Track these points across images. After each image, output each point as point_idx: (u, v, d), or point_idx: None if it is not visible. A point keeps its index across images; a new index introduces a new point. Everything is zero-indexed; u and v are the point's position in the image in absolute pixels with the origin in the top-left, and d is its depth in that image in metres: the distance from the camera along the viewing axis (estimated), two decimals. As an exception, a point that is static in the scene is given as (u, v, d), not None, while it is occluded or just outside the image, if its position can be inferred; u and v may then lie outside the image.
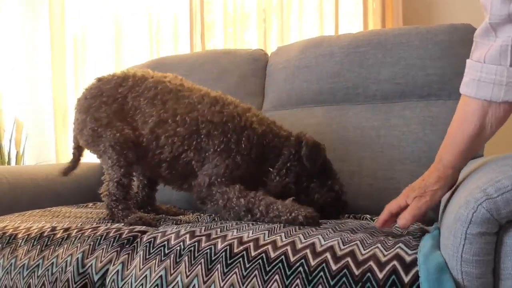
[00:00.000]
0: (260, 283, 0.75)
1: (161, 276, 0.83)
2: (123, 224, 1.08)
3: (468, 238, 0.64)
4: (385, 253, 0.74)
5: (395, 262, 0.71)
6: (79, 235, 1.01)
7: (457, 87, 1.31)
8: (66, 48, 2.69)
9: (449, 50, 1.34)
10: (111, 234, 0.99)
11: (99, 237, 0.99)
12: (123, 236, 0.98)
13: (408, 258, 0.71)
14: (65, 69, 2.69)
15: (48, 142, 2.81)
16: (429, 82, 1.35)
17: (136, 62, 2.19)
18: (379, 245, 0.77)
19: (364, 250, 0.76)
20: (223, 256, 0.81)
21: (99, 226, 1.05)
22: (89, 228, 1.04)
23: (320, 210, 1.04)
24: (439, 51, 1.35)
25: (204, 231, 0.92)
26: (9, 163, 2.68)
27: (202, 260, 0.82)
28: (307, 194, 1.15)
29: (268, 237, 0.85)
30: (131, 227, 1.03)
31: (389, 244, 0.77)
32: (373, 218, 1.19)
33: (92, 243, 0.97)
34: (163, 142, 1.16)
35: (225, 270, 0.79)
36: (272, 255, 0.79)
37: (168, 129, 1.16)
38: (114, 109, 1.19)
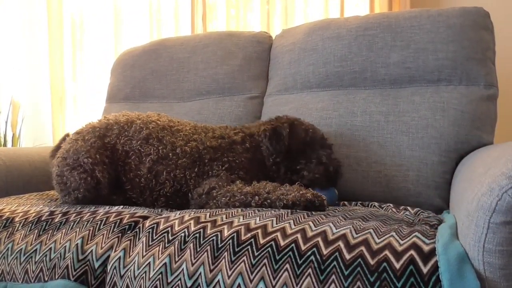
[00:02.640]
0: (270, 272, 0.72)
1: (165, 263, 0.80)
2: None
3: (491, 227, 0.61)
4: (401, 242, 0.70)
5: (412, 252, 0.67)
6: (78, 219, 0.98)
7: (469, 72, 1.29)
8: (64, 29, 2.64)
9: (461, 33, 1.30)
10: (111, 219, 0.95)
11: (99, 221, 0.95)
12: (124, 221, 0.95)
13: (426, 248, 0.68)
14: (63, 51, 2.64)
15: (45, 124, 2.77)
16: (439, 66, 1.31)
17: (136, 44, 2.15)
18: (394, 233, 0.74)
19: (379, 238, 0.72)
20: (230, 244, 0.78)
21: (97, 210, 1.02)
22: (87, 212, 1.01)
23: (312, 185, 1.10)
24: (450, 34, 1.31)
25: (209, 217, 0.88)
26: (5, 145, 2.64)
27: (208, 247, 0.79)
28: (298, 176, 1.17)
29: (277, 224, 0.81)
30: (132, 212, 0.99)
31: (404, 232, 0.74)
32: (382, 206, 1.15)
33: (91, 228, 0.94)
34: (164, 178, 1.16)
35: (233, 259, 0.76)
36: (282, 243, 0.75)
37: (169, 164, 1.16)
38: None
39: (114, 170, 1.17)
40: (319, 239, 0.75)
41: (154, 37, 2.45)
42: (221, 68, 1.73)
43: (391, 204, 1.16)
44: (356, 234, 0.75)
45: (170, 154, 1.17)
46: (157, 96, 1.85)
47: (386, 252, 0.69)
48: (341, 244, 0.72)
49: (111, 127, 1.22)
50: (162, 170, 1.16)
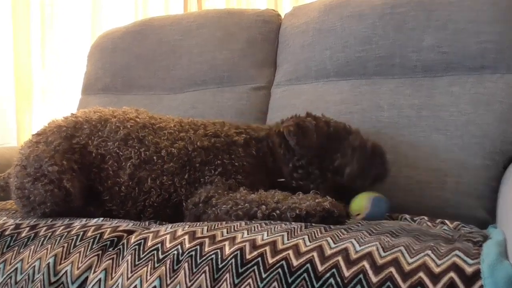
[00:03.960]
0: (280, 297, 0.72)
1: (154, 287, 0.80)
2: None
3: (548, 245, 0.61)
4: (439, 262, 0.70)
5: (452, 274, 0.67)
6: (49, 234, 0.99)
7: (519, 58, 1.29)
8: (31, 4, 2.61)
9: (509, 11, 1.31)
10: (89, 234, 0.96)
11: (74, 237, 0.96)
12: (105, 236, 0.95)
13: (469, 269, 0.68)
14: (29, 30, 2.60)
15: (7, 122, 2.77)
16: (483, 51, 1.31)
17: (118, 24, 2.15)
18: (429, 252, 0.74)
19: (411, 258, 0.72)
20: (233, 264, 0.78)
21: (72, 223, 1.02)
22: (61, 226, 1.01)
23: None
24: (496, 13, 1.31)
25: (207, 231, 0.88)
26: (-38, 146, 2.65)
27: (207, 268, 0.79)
28: (338, 175, 1.20)
29: (288, 240, 0.82)
30: (115, 225, 1.00)
31: (442, 251, 0.74)
32: (414, 219, 1.15)
33: (66, 244, 0.94)
34: (149, 186, 1.15)
35: (236, 281, 0.76)
36: (295, 263, 0.75)
37: (153, 169, 1.16)
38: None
39: (86, 177, 1.17)
40: (339, 258, 0.75)
41: (139, 17, 2.46)
42: (219, 53, 1.73)
43: (425, 217, 1.16)
44: (384, 252, 0.75)
45: (154, 157, 1.17)
46: (142, 86, 1.86)
47: (421, 274, 0.68)
48: (366, 264, 0.72)
49: (81, 126, 1.21)
50: (146, 177, 1.16)
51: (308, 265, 0.75)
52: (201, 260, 0.81)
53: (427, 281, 0.67)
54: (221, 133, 1.22)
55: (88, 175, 1.18)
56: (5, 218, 1.11)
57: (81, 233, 0.96)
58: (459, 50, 1.33)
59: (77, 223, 1.01)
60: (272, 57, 1.70)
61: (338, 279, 0.71)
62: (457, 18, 1.34)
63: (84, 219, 1.06)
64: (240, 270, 0.77)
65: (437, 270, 0.69)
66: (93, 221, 1.04)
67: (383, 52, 1.42)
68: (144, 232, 0.94)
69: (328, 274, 0.73)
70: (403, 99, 1.35)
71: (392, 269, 0.71)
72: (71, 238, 0.95)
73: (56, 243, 0.95)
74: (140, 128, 1.21)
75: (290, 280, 0.73)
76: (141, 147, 1.18)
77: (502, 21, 1.30)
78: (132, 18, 2.46)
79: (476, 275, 0.66)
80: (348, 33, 1.49)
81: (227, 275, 0.77)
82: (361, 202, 1.13)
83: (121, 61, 1.91)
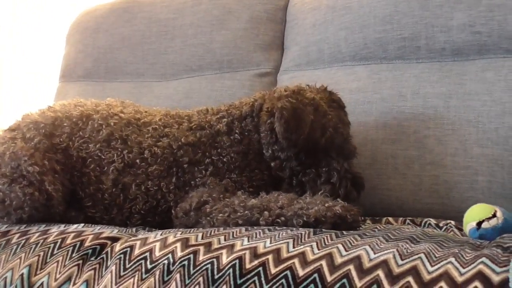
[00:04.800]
0: (283, 311, 0.75)
1: (142, 300, 0.83)
2: None
3: None
4: (462, 270, 0.72)
5: (477, 284, 0.69)
6: (23, 241, 1.01)
7: None
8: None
9: (553, -16, 1.32)
10: (68, 241, 0.98)
11: (52, 244, 0.98)
12: (86, 244, 0.97)
13: (496, 278, 0.70)
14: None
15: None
16: (523, 30, 1.32)
17: (97, 2, 2.16)
18: (452, 259, 0.76)
19: (432, 266, 0.74)
20: (231, 274, 0.80)
21: (49, 229, 1.05)
22: (36, 232, 1.04)
23: None
24: (538, -15, 1.33)
25: (202, 238, 0.91)
26: None
27: (201, 279, 0.81)
28: (300, 191, 1.19)
29: (294, 247, 0.84)
30: (97, 231, 1.02)
31: (467, 258, 0.76)
32: (440, 224, 1.17)
33: (42, 253, 0.97)
34: (134, 192, 1.19)
35: (234, 293, 0.78)
36: (301, 273, 0.78)
37: (137, 173, 1.19)
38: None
39: (69, 180, 1.20)
40: (351, 267, 0.77)
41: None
42: (218, 34, 1.76)
43: (452, 222, 1.18)
44: (402, 260, 0.77)
45: (138, 160, 1.20)
46: (129, 72, 1.89)
47: (442, 284, 0.71)
48: (380, 274, 0.75)
49: (61, 123, 1.24)
50: (131, 182, 1.19)
51: (316, 275, 0.77)
52: (194, 270, 0.83)
53: (448, 291, 0.70)
54: (205, 123, 1.24)
55: (71, 177, 1.21)
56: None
57: (59, 240, 0.98)
58: (494, 30, 1.35)
59: (55, 230, 1.04)
60: (279, 38, 1.73)
61: (349, 291, 0.74)
62: (493, -8, 1.36)
63: (63, 225, 1.08)
64: (238, 282, 0.79)
65: (460, 279, 0.71)
66: (73, 227, 1.06)
67: (407, 33, 1.44)
68: (131, 239, 0.96)
69: (338, 285, 0.75)
70: (429, 87, 1.37)
71: (410, 279, 0.73)
72: (47, 246, 0.98)
73: (31, 251, 0.98)
74: (124, 125, 1.24)
75: (295, 292, 0.76)
76: (124, 148, 1.21)
77: (546, -5, 1.32)
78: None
79: (504, 284, 0.68)
80: (366, 11, 1.51)
81: (224, 287, 0.79)
82: (488, 209, 1.06)
83: (105, 44, 1.94)
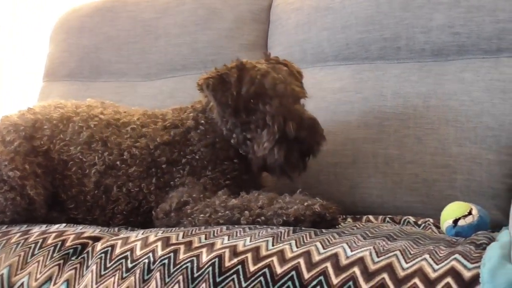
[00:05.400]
0: (261, 309, 0.76)
1: (122, 299, 0.84)
2: None
3: (552, 247, 0.65)
4: (436, 267, 0.74)
5: (449, 280, 0.71)
6: (4, 241, 1.02)
7: (541, 39, 1.32)
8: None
9: (530, -14, 1.34)
10: (49, 241, 0.99)
11: (33, 244, 0.99)
12: (68, 243, 0.98)
13: (467, 274, 0.71)
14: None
15: None
16: (500, 31, 1.34)
17: (81, 1, 2.15)
18: (427, 256, 0.77)
19: (407, 263, 0.76)
20: (210, 272, 0.81)
21: (30, 229, 1.05)
22: (17, 233, 1.04)
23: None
24: (515, -13, 1.35)
25: (183, 237, 0.92)
26: None
27: (181, 277, 0.83)
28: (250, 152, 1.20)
29: (273, 245, 0.85)
30: (79, 231, 1.03)
31: (441, 255, 0.78)
32: (419, 222, 1.19)
33: (22, 253, 0.97)
34: (116, 194, 1.20)
35: (213, 291, 0.80)
36: (279, 270, 0.79)
37: (118, 175, 1.20)
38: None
39: (50, 183, 1.21)
40: (328, 264, 0.78)
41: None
42: (202, 34, 1.76)
43: (431, 219, 1.20)
44: (378, 257, 0.78)
45: (118, 161, 1.21)
46: (114, 72, 1.89)
47: (416, 280, 0.72)
48: (356, 271, 0.76)
49: (41, 125, 1.24)
50: (112, 184, 1.20)
51: (293, 272, 0.78)
52: (174, 269, 0.84)
53: (421, 287, 0.71)
54: (179, 122, 1.25)
55: (53, 180, 1.21)
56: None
57: (40, 240, 0.99)
58: (473, 31, 1.37)
59: (36, 230, 1.04)
60: (263, 38, 1.73)
61: (325, 288, 0.75)
62: (471, -7, 1.37)
63: (44, 225, 1.09)
64: (217, 280, 0.80)
65: (433, 275, 0.72)
66: (55, 227, 1.07)
67: (388, 33, 1.46)
68: (112, 238, 0.97)
69: (314, 282, 0.76)
70: (410, 87, 1.39)
71: (385, 275, 0.74)
72: (28, 246, 0.98)
73: (12, 251, 0.98)
74: (104, 127, 1.24)
75: (272, 290, 0.77)
76: (105, 150, 1.21)
77: (523, -4, 1.33)
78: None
79: (475, 280, 0.70)
80: (348, 11, 1.52)
81: (203, 285, 0.80)
82: (464, 207, 1.08)
83: (89, 43, 1.93)
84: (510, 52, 1.34)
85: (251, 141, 1.18)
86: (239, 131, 1.20)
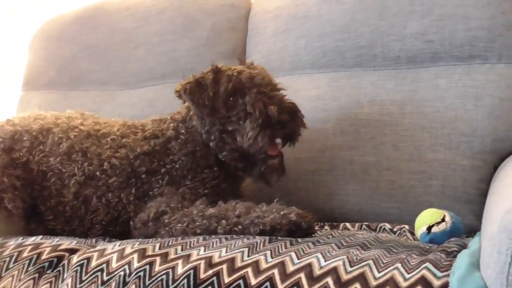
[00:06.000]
0: (235, 321, 0.76)
1: (98, 312, 0.84)
2: None
3: (518, 255, 0.66)
4: (407, 276, 0.75)
5: (419, 289, 0.72)
6: (-21, 255, 1.01)
7: (510, 46, 1.33)
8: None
9: (501, -6, 1.35)
10: (24, 254, 0.99)
11: (7, 258, 0.98)
12: (43, 256, 0.98)
13: (436, 283, 0.72)
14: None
15: None
16: (472, 39, 1.36)
17: (64, 9, 2.15)
18: (398, 265, 0.78)
19: (379, 272, 0.77)
20: (185, 284, 0.82)
21: (6, 243, 1.04)
22: (-8, 246, 1.04)
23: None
24: (486, -5, 1.36)
25: (159, 249, 0.92)
26: None
27: (156, 289, 0.83)
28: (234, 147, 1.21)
29: (248, 256, 0.86)
30: (55, 243, 1.02)
31: (412, 263, 0.79)
32: (394, 230, 1.20)
33: (-3, 267, 0.97)
34: (95, 205, 1.20)
35: (188, 303, 0.80)
36: (253, 281, 0.79)
37: (98, 186, 1.20)
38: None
39: (29, 195, 1.20)
40: (301, 275, 0.79)
41: (89, 0, 2.46)
42: (181, 43, 1.76)
43: (406, 226, 1.21)
44: (351, 267, 0.79)
45: (98, 172, 1.21)
46: (93, 81, 1.88)
47: (387, 289, 0.73)
48: (329, 281, 0.77)
49: (20, 137, 1.24)
50: (92, 195, 1.20)
51: (268, 283, 0.79)
52: (150, 281, 0.84)
53: (392, 297, 0.72)
54: (159, 132, 1.26)
55: (31, 192, 1.21)
56: None
57: (16, 254, 0.98)
58: (445, 38, 1.38)
59: (12, 243, 1.04)
60: (241, 47, 1.74)
61: (298, 298, 0.76)
62: (444, 2, 1.39)
63: (21, 238, 1.08)
64: (193, 291, 0.81)
65: (404, 284, 0.73)
66: (31, 239, 1.06)
67: (364, 41, 1.47)
68: (89, 250, 0.97)
69: (288, 293, 0.77)
70: (385, 94, 1.40)
71: (357, 285, 0.75)
72: (3, 260, 0.98)
73: (-13, 266, 0.98)
74: (84, 137, 1.24)
75: (246, 301, 0.78)
76: (85, 161, 1.21)
77: (493, 5, 1.35)
78: (82, 1, 2.45)
79: (444, 289, 0.71)
80: (325, 20, 1.53)
81: (179, 296, 0.81)
82: (437, 214, 1.09)
83: (69, 52, 1.92)
84: (482, 59, 1.35)
85: (233, 133, 1.19)
86: (216, 130, 1.21)
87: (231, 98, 1.18)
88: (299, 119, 1.19)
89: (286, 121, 1.14)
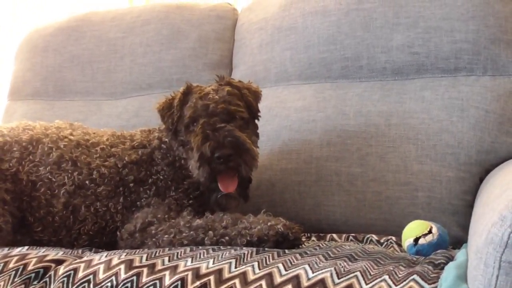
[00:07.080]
0: (223, 332, 0.76)
1: (84, 324, 0.83)
2: None
3: (504, 267, 0.66)
4: (394, 288, 0.75)
5: (407, 301, 0.72)
6: (-37, 267, 1.00)
7: (495, 59, 1.36)
8: None
9: (485, 7, 1.37)
10: (10, 265, 0.97)
11: (-6, 269, 0.97)
12: (30, 267, 0.96)
13: (424, 295, 0.73)
14: None
15: None
16: (457, 51, 1.37)
17: (50, 19, 2.15)
18: (386, 277, 0.79)
19: (367, 284, 0.77)
20: (172, 295, 0.81)
21: (-8, 253, 1.03)
22: (-22, 257, 1.02)
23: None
24: (471, 9, 1.37)
25: (146, 260, 0.92)
26: None
27: (143, 301, 0.82)
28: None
29: (236, 267, 0.85)
30: (41, 254, 1.01)
31: (400, 275, 0.79)
32: (381, 240, 1.21)
33: (-18, 278, 0.96)
34: (84, 214, 1.19)
35: (175, 315, 0.79)
36: (240, 293, 0.79)
37: (87, 195, 1.20)
38: None
39: (18, 208, 1.19)
40: (289, 286, 0.79)
41: (73, 8, 2.46)
42: (167, 53, 1.76)
43: (393, 237, 1.22)
44: (339, 278, 0.79)
45: (87, 181, 1.21)
46: (79, 91, 1.87)
47: (375, 301, 0.73)
48: (317, 292, 0.77)
49: (10, 147, 1.23)
50: (81, 204, 1.19)
51: (255, 295, 0.79)
52: (137, 292, 0.84)
53: (381, 308, 0.72)
54: (147, 142, 1.28)
55: (20, 204, 1.20)
56: None
57: (1, 264, 0.97)
58: (431, 51, 1.40)
59: (-3, 254, 1.03)
60: (228, 57, 1.74)
61: (286, 310, 0.76)
62: (429, 14, 1.41)
63: (7, 248, 1.07)
64: (180, 303, 0.81)
65: (392, 296, 0.74)
66: (17, 250, 1.05)
67: (349, 53, 1.48)
68: (76, 261, 0.96)
69: (275, 305, 0.77)
70: (371, 105, 1.41)
71: (345, 297, 0.75)
72: (-12, 271, 0.97)
73: (-29, 277, 0.96)
74: (74, 147, 1.24)
75: (234, 313, 0.77)
76: (74, 170, 1.21)
77: (478, 18, 1.37)
78: (67, 11, 2.45)
79: (432, 301, 0.72)
80: (310, 31, 1.54)
81: (166, 308, 0.81)
82: (424, 225, 1.10)
83: (54, 62, 1.91)
84: (467, 71, 1.37)
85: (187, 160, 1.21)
86: (180, 152, 1.23)
87: (191, 125, 1.19)
88: (247, 155, 1.15)
89: (228, 156, 1.12)
